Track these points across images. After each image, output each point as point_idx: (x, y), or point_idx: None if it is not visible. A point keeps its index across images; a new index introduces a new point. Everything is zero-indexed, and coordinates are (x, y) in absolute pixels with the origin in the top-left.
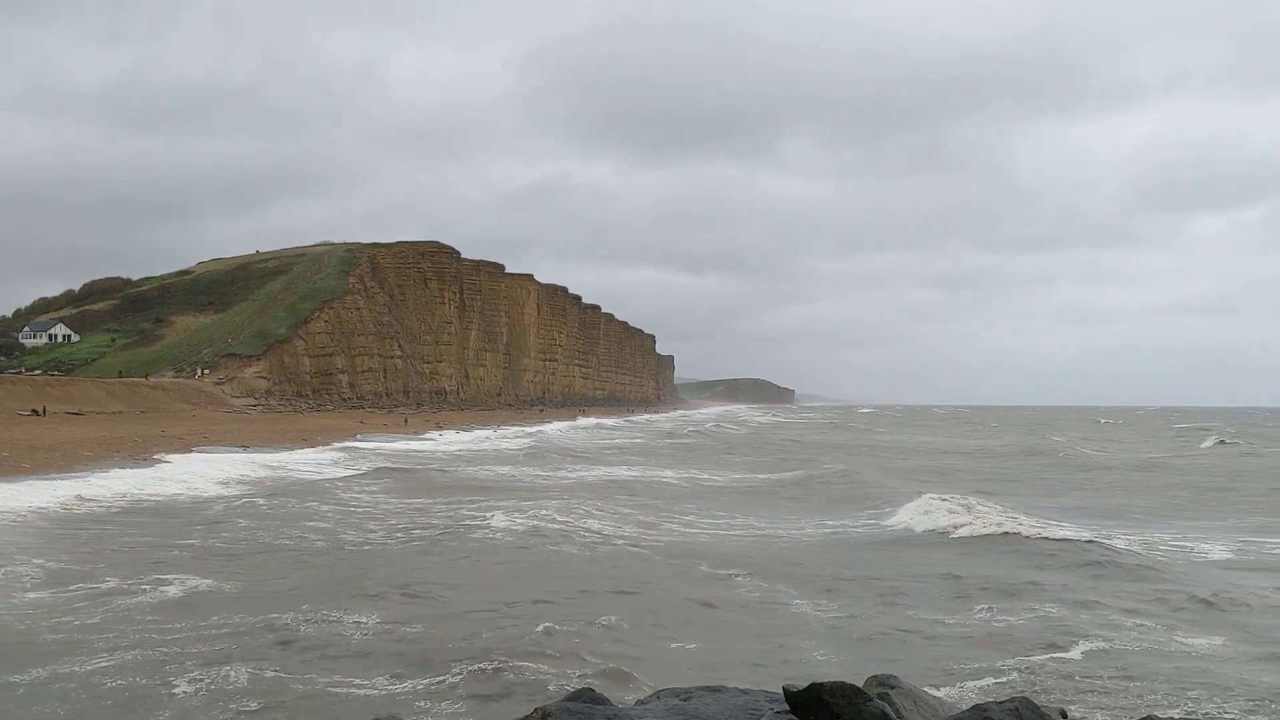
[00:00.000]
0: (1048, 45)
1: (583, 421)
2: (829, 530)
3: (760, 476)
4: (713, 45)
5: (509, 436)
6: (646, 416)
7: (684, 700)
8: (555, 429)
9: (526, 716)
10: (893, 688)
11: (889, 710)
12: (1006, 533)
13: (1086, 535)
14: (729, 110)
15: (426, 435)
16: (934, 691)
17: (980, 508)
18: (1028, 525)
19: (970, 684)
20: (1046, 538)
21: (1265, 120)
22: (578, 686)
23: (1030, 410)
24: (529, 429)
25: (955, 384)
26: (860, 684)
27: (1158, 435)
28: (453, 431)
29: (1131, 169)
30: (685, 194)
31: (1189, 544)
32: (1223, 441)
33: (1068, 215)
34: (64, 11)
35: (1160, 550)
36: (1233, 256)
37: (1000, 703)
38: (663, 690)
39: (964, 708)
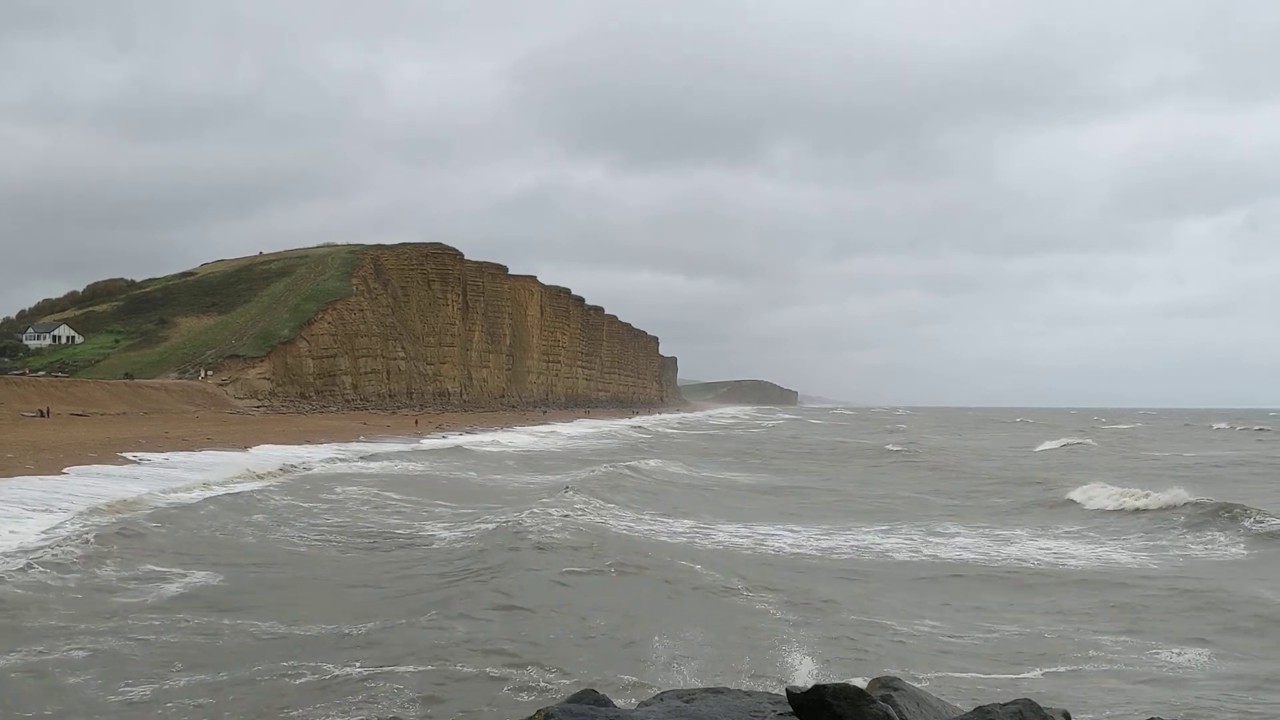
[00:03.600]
0: (1032, 54)
1: (576, 424)
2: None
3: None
4: (702, 53)
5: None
6: (640, 419)
7: (686, 702)
8: (538, 432)
9: (529, 717)
10: (896, 689)
11: (892, 712)
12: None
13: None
14: (719, 116)
15: (430, 437)
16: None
17: (592, 504)
18: (615, 522)
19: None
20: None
21: (1244, 127)
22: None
23: (1009, 411)
24: (494, 434)
25: (957, 385)
26: (864, 685)
27: (1043, 436)
28: (456, 434)
29: (1117, 175)
30: (679, 199)
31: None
32: (1071, 443)
33: (1057, 220)
34: (71, 25)
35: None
36: (1220, 259)
37: (1003, 705)
38: (665, 692)
39: (967, 709)
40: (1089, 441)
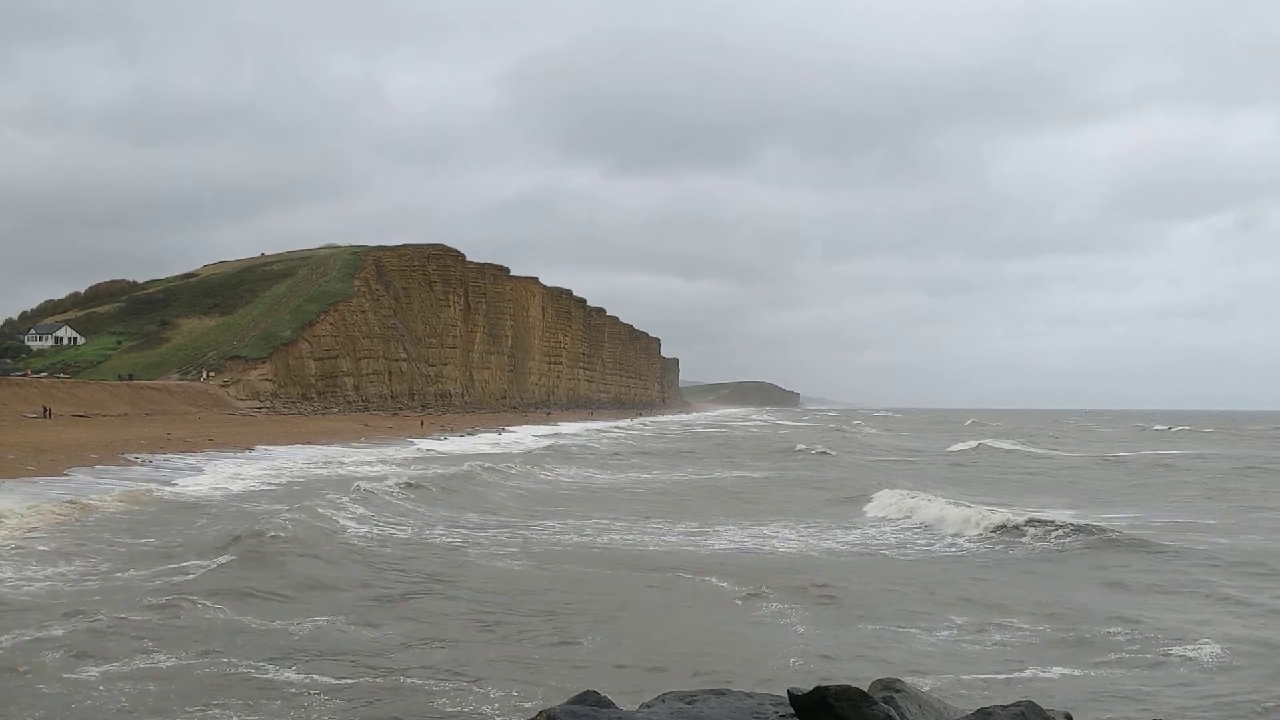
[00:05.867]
0: (1020, 61)
1: (569, 425)
2: None
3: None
4: (694, 58)
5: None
6: (631, 421)
7: (689, 704)
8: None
9: (532, 718)
10: (898, 691)
11: (894, 714)
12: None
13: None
14: (712, 121)
15: (430, 438)
16: None
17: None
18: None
19: None
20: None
21: (1231, 132)
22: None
23: (992, 413)
24: (493, 435)
25: (957, 385)
26: (865, 687)
27: (972, 437)
28: (457, 436)
29: (1109, 179)
30: (675, 202)
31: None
32: (984, 444)
33: (1051, 223)
34: (79, 34)
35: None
36: (1214, 261)
37: (1005, 706)
38: (667, 694)
39: (969, 711)
40: (988, 442)
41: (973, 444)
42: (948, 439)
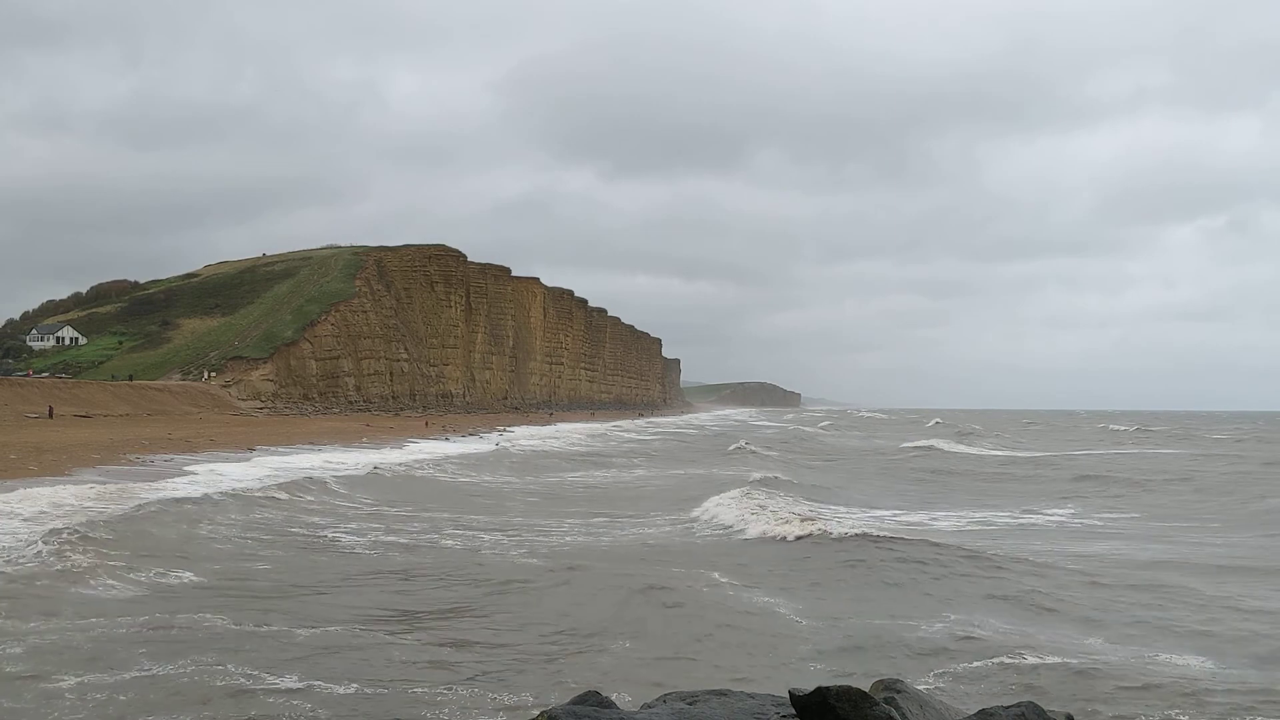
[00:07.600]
0: (1015, 65)
1: (562, 425)
2: None
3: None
4: (691, 62)
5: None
6: (636, 421)
7: (690, 704)
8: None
9: (533, 718)
10: (899, 691)
11: (895, 714)
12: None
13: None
14: (707, 124)
15: (434, 438)
16: None
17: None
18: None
19: None
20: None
21: (1221, 136)
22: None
23: (984, 413)
24: (495, 434)
25: (959, 386)
26: (866, 688)
27: (926, 436)
28: (460, 436)
29: (1102, 182)
30: (671, 204)
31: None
32: (929, 444)
33: (1047, 226)
34: (78, 39)
35: None
36: (1207, 263)
37: (1006, 707)
38: (669, 694)
39: (970, 712)
40: (933, 442)
41: (919, 444)
42: (906, 438)
